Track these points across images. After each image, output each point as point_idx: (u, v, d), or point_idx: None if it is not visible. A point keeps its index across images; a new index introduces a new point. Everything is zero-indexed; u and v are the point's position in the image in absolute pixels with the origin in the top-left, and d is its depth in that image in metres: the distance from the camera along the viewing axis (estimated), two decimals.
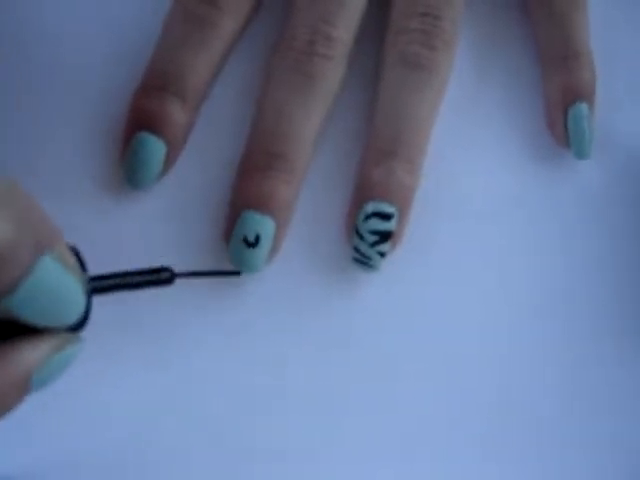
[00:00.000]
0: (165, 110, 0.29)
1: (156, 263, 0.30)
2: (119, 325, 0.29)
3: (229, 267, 0.30)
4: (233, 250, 0.29)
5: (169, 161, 0.29)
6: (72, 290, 0.20)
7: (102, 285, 0.22)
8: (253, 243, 0.28)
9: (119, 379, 0.29)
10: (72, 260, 0.20)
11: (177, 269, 0.30)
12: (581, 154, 0.31)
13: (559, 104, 0.31)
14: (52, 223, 0.19)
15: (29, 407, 0.28)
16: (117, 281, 0.22)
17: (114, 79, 0.31)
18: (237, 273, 0.29)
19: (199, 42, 0.29)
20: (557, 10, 0.32)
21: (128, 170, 0.29)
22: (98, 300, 0.28)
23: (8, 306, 0.18)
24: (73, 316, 0.20)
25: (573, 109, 0.31)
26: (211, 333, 0.30)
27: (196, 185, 0.31)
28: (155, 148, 0.29)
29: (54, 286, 0.19)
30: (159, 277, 0.23)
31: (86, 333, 0.29)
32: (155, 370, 0.29)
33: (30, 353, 0.20)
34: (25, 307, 0.19)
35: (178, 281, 0.29)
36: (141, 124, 0.29)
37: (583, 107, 0.31)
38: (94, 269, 0.29)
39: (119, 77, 0.31)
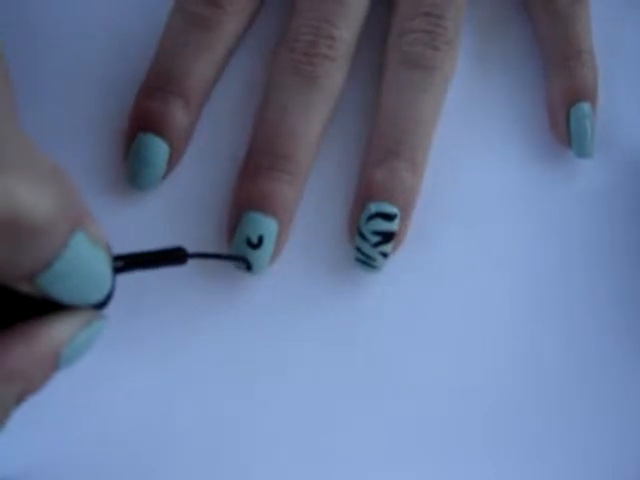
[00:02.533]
0: (168, 111, 0.29)
1: None
2: (118, 327, 0.29)
3: (232, 269, 0.30)
4: (236, 251, 0.29)
5: (172, 162, 0.30)
6: (102, 268, 0.20)
7: (122, 264, 0.23)
8: (256, 244, 0.28)
9: (119, 380, 0.29)
10: (103, 239, 0.20)
11: (179, 268, 0.30)
12: (583, 153, 0.31)
13: (561, 103, 0.31)
14: (85, 204, 0.20)
15: (29, 407, 0.28)
16: (135, 260, 0.23)
17: (116, 80, 0.31)
18: (243, 259, 0.29)
19: (201, 43, 0.29)
20: (559, 9, 0.32)
21: (131, 171, 0.29)
22: None
23: (42, 282, 0.18)
24: (101, 293, 0.20)
25: (575, 108, 0.31)
26: (213, 333, 0.30)
27: (199, 186, 0.31)
28: (158, 149, 0.29)
29: (86, 263, 0.19)
30: (174, 256, 0.24)
31: None
32: (156, 370, 0.29)
33: (59, 329, 0.20)
34: (58, 283, 0.19)
35: (178, 279, 0.29)
36: (144, 125, 0.29)
37: (585, 106, 0.31)
38: None
39: (121, 78, 0.31)
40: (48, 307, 0.20)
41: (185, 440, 0.29)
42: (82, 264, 0.19)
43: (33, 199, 0.17)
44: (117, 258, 0.22)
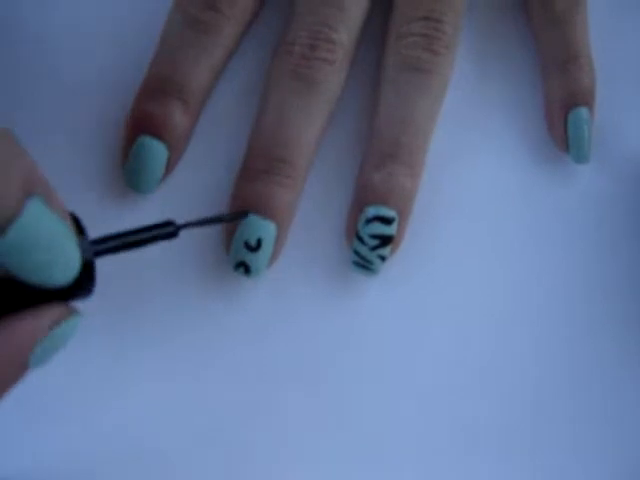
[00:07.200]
0: (166, 114, 0.29)
1: (157, 266, 0.30)
2: (118, 329, 0.29)
3: (230, 272, 0.30)
4: (234, 254, 0.29)
5: (170, 165, 0.30)
6: (66, 242, 0.19)
7: (106, 247, 0.21)
8: (254, 247, 0.28)
9: (119, 382, 0.29)
10: (65, 211, 0.20)
11: (178, 273, 0.30)
12: (580, 158, 0.31)
13: (559, 108, 0.31)
14: (42, 173, 0.19)
15: (29, 408, 0.28)
16: (120, 241, 0.21)
17: (115, 83, 0.31)
18: (245, 214, 0.28)
19: (200, 46, 0.29)
20: (557, 14, 0.32)
21: (130, 174, 0.29)
22: (95, 299, 0.28)
23: None
24: (69, 273, 0.19)
25: (573, 113, 0.31)
26: (210, 337, 0.30)
27: (197, 189, 0.31)
28: (156, 152, 0.29)
29: (46, 235, 0.18)
30: (163, 232, 0.22)
31: (84, 336, 0.29)
32: (156, 373, 0.29)
33: (28, 327, 0.19)
34: (16, 255, 0.18)
35: (178, 283, 0.29)
36: (142, 128, 0.29)
37: (583, 111, 0.31)
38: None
39: (120, 81, 0.31)
40: (21, 303, 0.19)
41: (185, 440, 0.29)
42: (41, 235, 0.18)
43: None
44: (96, 242, 0.21)
